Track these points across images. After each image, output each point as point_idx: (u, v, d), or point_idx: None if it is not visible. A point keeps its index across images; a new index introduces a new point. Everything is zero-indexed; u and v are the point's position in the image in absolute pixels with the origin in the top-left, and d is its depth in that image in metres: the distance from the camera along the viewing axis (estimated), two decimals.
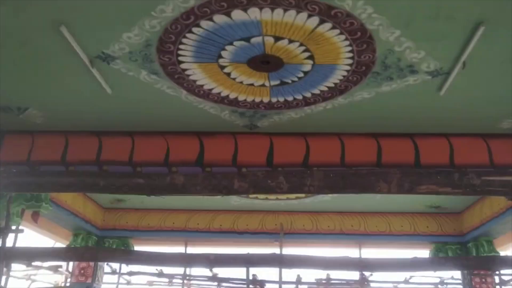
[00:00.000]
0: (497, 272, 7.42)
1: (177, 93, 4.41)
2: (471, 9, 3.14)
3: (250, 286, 8.45)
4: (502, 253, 7.69)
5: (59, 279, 8.50)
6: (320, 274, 8.72)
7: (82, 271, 8.08)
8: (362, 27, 3.33)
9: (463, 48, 3.54)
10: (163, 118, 4.97)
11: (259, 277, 8.45)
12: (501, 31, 3.35)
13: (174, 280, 9.46)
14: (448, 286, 8.53)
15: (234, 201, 7.86)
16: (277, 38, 3.52)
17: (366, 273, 8.38)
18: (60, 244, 9.05)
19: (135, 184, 1.47)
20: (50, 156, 5.20)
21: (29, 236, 8.14)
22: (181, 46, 3.67)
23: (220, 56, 3.80)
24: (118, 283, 8.47)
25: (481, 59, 3.69)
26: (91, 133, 5.27)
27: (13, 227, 5.28)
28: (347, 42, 3.54)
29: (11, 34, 3.58)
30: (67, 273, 8.49)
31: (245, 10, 3.20)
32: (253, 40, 3.56)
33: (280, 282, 8.15)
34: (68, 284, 8.14)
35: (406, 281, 8.49)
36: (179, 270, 8.73)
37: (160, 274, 8.61)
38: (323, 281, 8.67)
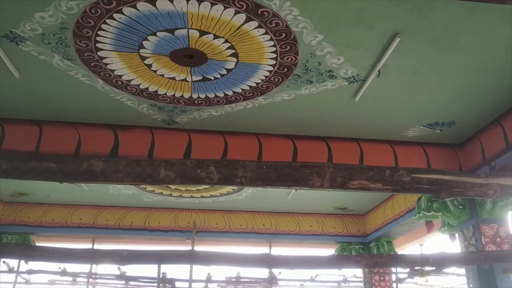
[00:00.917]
0: (393, 270, 7.94)
1: (92, 82, 4.20)
2: (389, 20, 3.33)
3: (160, 285, 8.27)
4: (400, 253, 8.27)
5: None
6: (230, 272, 8.77)
7: None
8: (287, 28, 3.40)
9: (379, 56, 3.74)
10: (76, 108, 4.71)
11: (169, 276, 8.29)
12: (414, 43, 3.60)
13: (79, 279, 9.01)
14: (351, 284, 8.96)
15: (147, 198, 7.65)
16: (203, 32, 3.48)
17: (275, 272, 8.57)
18: None
19: (45, 168, 1.34)
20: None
21: None
22: (100, 32, 3.50)
23: (141, 46, 3.68)
24: (15, 282, 7.84)
25: (395, 68, 3.93)
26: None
27: None
28: (272, 43, 3.59)
29: None
30: None
31: (171, 0, 3.13)
32: (177, 32, 3.49)
33: (191, 281, 8.06)
34: None
35: (312, 279, 8.80)
36: (84, 268, 8.30)
37: (64, 273, 8.12)
38: (233, 279, 8.72)
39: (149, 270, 8.59)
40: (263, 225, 8.27)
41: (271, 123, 5.01)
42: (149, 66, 3.94)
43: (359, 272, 8.75)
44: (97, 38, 3.57)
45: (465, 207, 5.14)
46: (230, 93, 4.38)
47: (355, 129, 5.10)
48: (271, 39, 3.56)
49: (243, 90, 4.32)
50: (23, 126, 4.88)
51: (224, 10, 3.22)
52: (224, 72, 4.02)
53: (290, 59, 3.80)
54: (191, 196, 7.54)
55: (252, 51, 3.72)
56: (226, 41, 3.59)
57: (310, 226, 8.35)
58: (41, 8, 3.23)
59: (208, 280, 8.60)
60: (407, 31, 3.44)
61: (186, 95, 4.42)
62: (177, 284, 8.34)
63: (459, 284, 8.38)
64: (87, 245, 8.52)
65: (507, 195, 3.97)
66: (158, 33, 3.51)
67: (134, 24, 3.39)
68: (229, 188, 7.15)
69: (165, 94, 4.40)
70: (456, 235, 5.40)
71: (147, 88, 4.31)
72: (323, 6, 3.20)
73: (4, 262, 8.00)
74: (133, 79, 4.15)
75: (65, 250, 2.02)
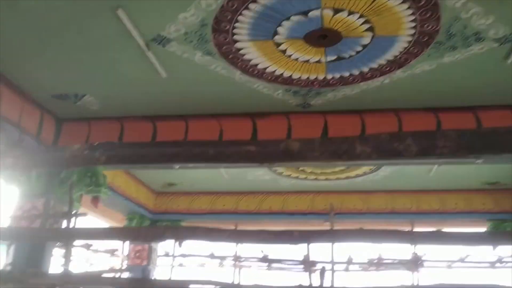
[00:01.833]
0: None
1: (230, 74, 4.37)
2: None
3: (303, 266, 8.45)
4: None
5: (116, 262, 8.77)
6: (371, 254, 8.63)
7: (137, 254, 8.29)
8: None
9: None
10: (216, 100, 4.97)
11: (311, 258, 8.41)
12: None
13: (225, 262, 9.60)
14: (507, 264, 8.23)
15: (283, 182, 7.83)
16: (337, 10, 3.41)
17: (420, 253, 8.22)
18: None
19: (245, 151, 1.42)
20: (107, 141, 5.30)
21: (86, 222, 8.42)
22: (236, 24, 3.62)
23: (276, 33, 3.73)
24: (172, 265, 8.64)
25: None
26: (145, 117, 5.33)
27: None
28: (410, 11, 3.39)
29: (68, 21, 3.63)
30: (123, 256, 8.74)
31: None
32: (311, 13, 3.46)
33: (332, 262, 8.09)
34: (124, 267, 8.37)
35: (461, 260, 8.27)
36: (230, 251, 8.82)
37: (212, 256, 8.74)
38: (375, 261, 8.57)
39: (291, 252, 8.82)
40: (404, 204, 7.95)
41: (410, 97, 4.75)
42: (284, 51, 3.98)
43: None
44: (234, 31, 3.69)
45: None
46: (366, 69, 4.24)
47: (509, 93, 4.61)
48: (409, 8, 3.35)
49: (379, 65, 4.16)
50: (171, 122, 5.28)
51: None
52: (360, 48, 3.90)
53: (430, 26, 3.55)
54: (327, 178, 7.54)
55: (389, 23, 3.55)
56: (361, 16, 3.47)
57: (456, 203, 7.82)
58: (184, 9, 3.44)
59: (350, 261, 8.56)
60: None
61: (321, 77, 4.39)
62: (318, 266, 8.45)
63: None
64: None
65: None
66: (292, 17, 3.52)
67: (269, 11, 3.44)
68: (365, 168, 7.00)
69: (300, 78, 4.41)
70: None
71: (281, 74, 4.36)
72: None
73: (161, 247, 8.84)
74: (268, 67, 4.24)
75: (241, 232, 2.15)
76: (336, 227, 7.80)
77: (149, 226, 8.38)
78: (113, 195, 6.91)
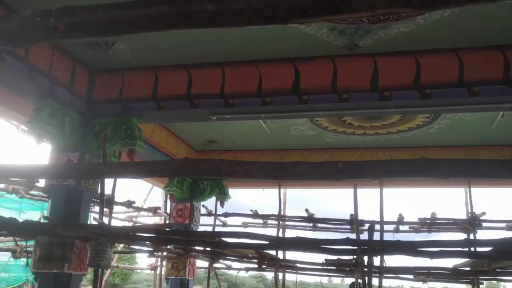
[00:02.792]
0: None
1: None
2: None
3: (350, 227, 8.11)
4: None
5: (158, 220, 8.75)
6: (424, 213, 8.13)
7: (179, 213, 8.20)
8: None
9: None
10: (254, 45, 4.56)
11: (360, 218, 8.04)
12: None
13: (269, 222, 9.40)
14: None
15: (329, 138, 7.39)
16: None
17: (477, 212, 7.66)
18: (157, 188, 9.27)
19: (263, 4, 1.10)
20: (141, 92, 5.06)
21: (127, 180, 8.38)
22: None
23: None
24: (214, 225, 8.50)
25: None
26: (180, 66, 5.02)
27: None
28: None
29: None
30: (165, 214, 8.70)
31: None
32: None
33: (382, 222, 7.69)
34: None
35: None
36: (274, 211, 8.57)
37: (255, 215, 8.53)
38: (427, 221, 8.09)
39: (338, 213, 8.48)
40: None
41: (475, 33, 4.16)
42: None
43: None
44: None
45: None
46: None
47: None
48: None
49: None
50: (207, 70, 4.95)
51: None
52: None
53: None
54: (376, 133, 7.04)
55: None
56: None
57: None
58: None
59: (400, 221, 8.13)
60: None
61: None
62: (367, 226, 8.07)
63: None
64: (273, 189, 8.76)
65: None
66: None
67: None
68: (418, 120, 6.45)
69: None
70: None
71: None
72: None
73: (203, 206, 8.72)
74: None
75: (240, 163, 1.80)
76: (386, 187, 7.35)
77: (191, 183, 8.24)
78: (152, 151, 6.75)
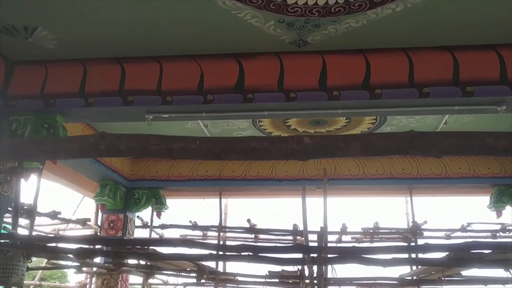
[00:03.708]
0: None
1: None
2: None
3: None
4: None
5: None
6: (366, 222, 8.03)
7: (111, 224, 7.56)
8: None
9: None
10: (195, 38, 4.19)
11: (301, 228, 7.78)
12: None
13: (209, 234, 8.95)
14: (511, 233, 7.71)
15: None
16: None
17: (419, 221, 7.63)
18: (89, 198, 8.57)
19: None
20: (67, 87, 4.51)
21: (55, 190, 7.66)
22: None
23: None
24: (150, 237, 7.90)
25: None
26: (112, 59, 4.54)
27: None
28: None
29: None
30: (96, 227, 8.02)
31: None
32: None
33: (325, 232, 7.48)
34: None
35: (463, 229, 7.72)
36: (214, 221, 8.13)
37: (195, 227, 8.04)
38: (370, 230, 7.97)
39: (281, 223, 8.18)
40: (403, 169, 7.30)
41: (425, 32, 4.03)
42: None
43: None
44: None
45: None
46: None
47: None
48: None
49: None
50: (143, 64, 4.50)
51: None
52: None
53: None
54: None
55: None
56: None
57: (459, 168, 7.18)
58: None
59: (343, 231, 7.95)
60: None
61: (321, 2, 3.63)
62: (310, 236, 7.83)
63: None
64: (214, 199, 8.33)
65: None
66: None
67: None
68: (364, 126, 6.32)
69: (296, 3, 3.64)
70: None
71: None
72: None
73: (138, 217, 8.12)
74: None
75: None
76: (329, 196, 7.15)
77: (125, 192, 7.64)
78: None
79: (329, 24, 3.93)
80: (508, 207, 7.14)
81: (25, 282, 7.38)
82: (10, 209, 4.64)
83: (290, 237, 8.52)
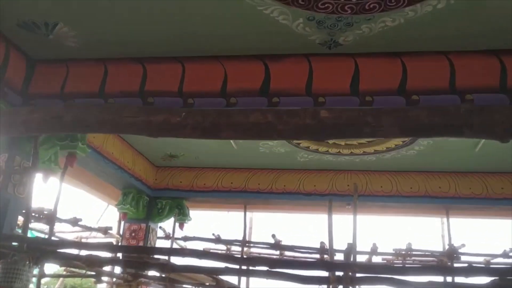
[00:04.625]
0: None
1: None
2: None
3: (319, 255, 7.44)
4: None
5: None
6: (399, 243, 7.56)
7: (133, 234, 7.36)
8: None
9: None
10: (219, 37, 3.97)
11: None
12: None
13: (233, 248, 8.64)
14: None
15: (301, 156, 6.79)
16: None
17: (456, 244, 7.12)
18: (112, 206, 8.44)
19: None
20: (87, 87, 4.37)
21: (79, 196, 7.56)
22: None
23: None
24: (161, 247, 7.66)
25: None
26: (133, 59, 4.37)
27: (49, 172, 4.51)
28: None
29: None
30: (117, 236, 7.85)
31: None
32: None
33: (354, 252, 7.05)
34: None
35: (505, 254, 7.14)
36: (238, 235, 7.83)
37: (218, 240, 7.76)
38: (403, 252, 7.49)
39: (307, 240, 7.82)
40: (439, 187, 6.83)
41: (471, 33, 3.67)
42: None
43: None
44: None
45: None
46: None
47: None
48: None
49: None
50: (165, 65, 4.31)
51: None
52: None
53: None
54: (351, 152, 6.48)
55: None
56: None
57: (502, 188, 6.67)
58: None
59: (373, 251, 7.50)
60: None
61: None
62: (338, 255, 7.42)
63: None
64: (239, 212, 8.06)
65: None
66: None
67: None
68: (397, 141, 5.93)
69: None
70: None
71: None
72: None
73: (160, 227, 7.92)
74: None
75: None
76: (360, 213, 6.73)
77: (148, 201, 7.45)
78: (103, 161, 5.98)
79: (362, 22, 3.64)
80: None
81: None
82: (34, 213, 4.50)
83: (317, 255, 8.12)
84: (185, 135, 1.11)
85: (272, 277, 3.13)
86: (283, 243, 7.71)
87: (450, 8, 3.37)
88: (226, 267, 3.29)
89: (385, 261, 8.03)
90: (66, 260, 3.66)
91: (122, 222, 7.61)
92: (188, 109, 1.08)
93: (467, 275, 2.73)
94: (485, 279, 2.96)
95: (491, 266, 7.10)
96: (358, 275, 2.62)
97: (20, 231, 4.11)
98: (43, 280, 5.23)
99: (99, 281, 6.72)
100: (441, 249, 7.70)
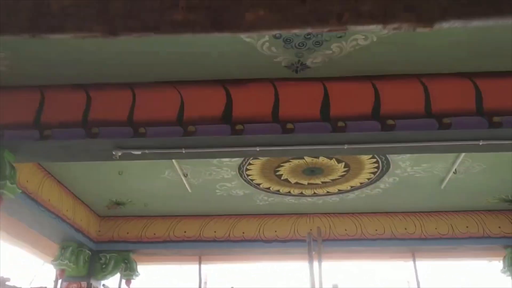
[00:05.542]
0: None
1: None
2: None
3: None
4: None
5: None
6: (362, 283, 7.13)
7: None
8: None
9: None
10: (175, 61, 3.56)
11: None
12: None
13: None
14: None
15: (260, 200, 6.33)
16: None
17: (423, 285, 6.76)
18: (48, 264, 7.48)
19: None
20: (19, 116, 3.77)
21: (10, 253, 6.64)
22: None
23: None
24: None
25: None
26: (75, 86, 3.84)
27: None
28: None
29: None
30: None
31: None
32: None
33: None
34: None
35: None
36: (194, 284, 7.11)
37: None
38: None
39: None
40: (405, 228, 6.56)
41: (443, 57, 3.48)
42: None
43: None
44: None
45: None
46: None
47: None
48: None
49: None
50: (113, 92, 3.81)
51: None
52: None
53: None
54: (314, 193, 6.11)
55: None
56: None
57: (467, 227, 6.48)
58: None
59: None
60: None
61: None
62: None
63: None
64: (192, 265, 7.36)
65: None
66: None
67: None
68: (363, 177, 5.63)
69: None
70: None
71: None
72: None
73: (104, 285, 7.05)
74: None
75: None
76: (324, 259, 6.25)
77: (89, 255, 6.63)
78: (37, 209, 5.24)
79: (333, 41, 3.35)
80: None
81: None
82: None
83: None
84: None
85: None
86: None
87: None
88: None
89: None
90: None
91: (60, 281, 6.69)
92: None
93: None
94: None
95: None
96: None
97: None
98: None
99: None
100: None
